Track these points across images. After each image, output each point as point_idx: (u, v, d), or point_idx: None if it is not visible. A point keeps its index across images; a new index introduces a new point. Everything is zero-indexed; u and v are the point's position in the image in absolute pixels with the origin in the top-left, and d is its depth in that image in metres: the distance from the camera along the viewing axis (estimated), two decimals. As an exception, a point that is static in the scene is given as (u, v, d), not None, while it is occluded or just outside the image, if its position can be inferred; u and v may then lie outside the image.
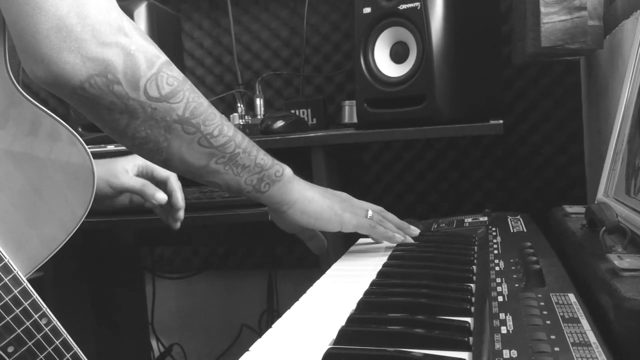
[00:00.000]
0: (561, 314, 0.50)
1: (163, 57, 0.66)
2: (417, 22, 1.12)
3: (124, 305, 1.70)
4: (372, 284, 0.69)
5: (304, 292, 0.71)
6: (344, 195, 0.90)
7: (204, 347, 1.95)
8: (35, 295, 0.76)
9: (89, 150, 0.74)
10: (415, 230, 0.93)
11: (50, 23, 0.58)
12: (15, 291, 0.74)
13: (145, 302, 1.85)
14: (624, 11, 1.01)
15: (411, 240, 0.90)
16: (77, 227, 0.80)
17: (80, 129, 1.49)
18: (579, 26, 1.10)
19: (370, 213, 0.89)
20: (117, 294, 1.67)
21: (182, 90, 0.67)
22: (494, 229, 0.91)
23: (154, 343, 1.88)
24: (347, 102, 1.51)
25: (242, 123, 1.36)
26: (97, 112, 0.65)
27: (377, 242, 0.93)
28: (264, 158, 0.78)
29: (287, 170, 0.82)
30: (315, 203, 0.84)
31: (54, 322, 0.77)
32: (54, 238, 0.79)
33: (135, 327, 1.78)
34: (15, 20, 0.59)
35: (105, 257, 1.61)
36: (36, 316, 0.75)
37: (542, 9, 1.10)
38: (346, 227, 0.87)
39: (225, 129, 0.72)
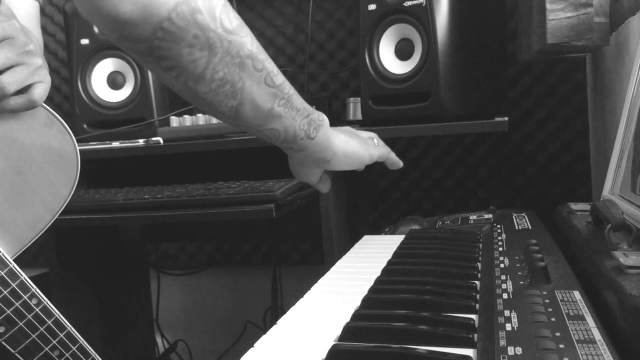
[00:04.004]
0: (566, 311, 0.50)
1: None
2: (422, 19, 1.12)
3: (128, 302, 1.71)
4: (377, 280, 0.69)
5: (308, 288, 0.71)
6: (350, 129, 0.90)
7: (209, 344, 1.95)
8: (24, 276, 0.77)
9: (69, 130, 0.75)
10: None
11: None
12: (2, 272, 0.74)
13: (150, 299, 1.85)
14: (630, 8, 1.01)
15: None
16: (63, 207, 0.81)
17: (85, 126, 1.49)
18: (585, 23, 1.10)
19: (376, 141, 0.91)
20: (122, 290, 1.67)
21: (244, 25, 0.67)
22: (498, 226, 0.91)
23: (158, 339, 1.89)
24: (351, 99, 1.51)
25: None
26: (178, 53, 0.63)
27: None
28: (304, 103, 0.77)
29: (323, 115, 0.81)
30: (352, 143, 0.84)
31: (45, 302, 0.78)
32: (40, 219, 0.80)
33: (140, 323, 1.79)
34: None
35: (111, 253, 1.62)
36: (25, 297, 0.76)
37: (548, 6, 1.10)
38: (372, 159, 0.88)
39: (276, 68, 0.71)
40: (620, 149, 0.82)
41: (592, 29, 1.10)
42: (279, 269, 1.81)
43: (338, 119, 1.62)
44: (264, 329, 1.65)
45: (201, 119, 1.35)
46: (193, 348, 1.94)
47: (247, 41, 0.67)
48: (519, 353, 0.43)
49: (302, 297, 0.68)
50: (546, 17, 1.10)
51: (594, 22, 1.10)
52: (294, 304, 0.65)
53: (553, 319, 0.49)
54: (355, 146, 0.85)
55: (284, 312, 0.63)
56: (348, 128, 0.89)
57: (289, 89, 0.73)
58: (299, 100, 0.75)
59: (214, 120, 1.36)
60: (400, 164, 0.94)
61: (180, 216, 1.18)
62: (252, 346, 0.53)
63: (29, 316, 0.76)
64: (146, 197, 1.19)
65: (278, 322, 0.60)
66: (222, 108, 0.70)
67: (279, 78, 0.71)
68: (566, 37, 1.10)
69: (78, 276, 1.47)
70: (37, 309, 0.77)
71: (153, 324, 1.86)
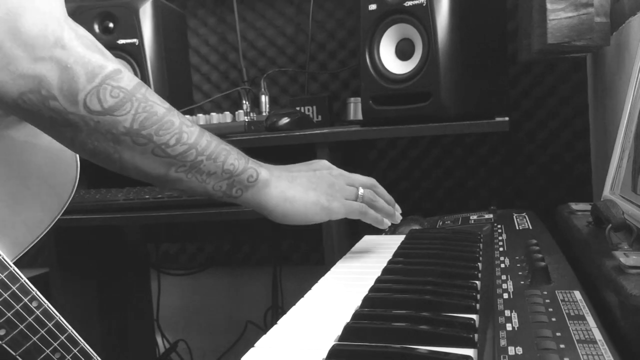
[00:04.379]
0: (567, 311, 0.50)
1: (110, 67, 0.62)
2: (423, 19, 1.12)
3: (129, 302, 1.71)
4: (377, 280, 0.69)
5: (309, 288, 0.71)
6: (334, 173, 0.86)
7: (209, 344, 1.95)
8: (24, 279, 0.76)
9: None
10: (399, 217, 0.92)
11: None
12: (2, 275, 0.74)
13: (150, 299, 1.85)
14: (630, 8, 1.01)
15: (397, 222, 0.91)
16: (63, 210, 0.81)
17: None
18: (586, 23, 1.10)
19: (361, 191, 0.86)
20: (123, 290, 1.67)
21: (129, 101, 0.63)
22: (499, 226, 0.91)
23: (159, 339, 1.89)
24: (352, 99, 1.51)
25: (247, 120, 1.36)
26: (40, 125, 0.63)
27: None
28: (234, 163, 0.74)
29: (263, 174, 0.77)
30: (298, 202, 0.80)
31: (45, 304, 0.77)
32: (39, 222, 0.79)
33: (140, 323, 1.79)
34: None
35: (111, 254, 1.62)
36: (26, 299, 0.76)
37: (549, 6, 1.10)
38: (335, 217, 0.83)
39: (184, 136, 0.68)
40: (621, 148, 0.82)
41: (592, 29, 1.10)
42: (280, 269, 1.81)
43: (339, 119, 1.63)
44: (264, 329, 1.64)
45: (201, 119, 1.35)
46: (193, 348, 1.94)
47: (126, 119, 0.63)
48: (519, 353, 0.43)
49: (302, 297, 0.68)
50: (547, 17, 1.10)
51: (595, 22, 1.10)
52: (294, 304, 0.65)
53: (554, 319, 0.49)
54: (303, 205, 0.80)
55: (284, 312, 0.63)
56: (328, 174, 0.85)
57: (195, 155, 0.69)
58: (216, 164, 0.72)
59: (214, 120, 1.37)
60: (385, 224, 0.88)
61: (181, 216, 1.18)
62: (253, 346, 0.53)
63: (30, 319, 0.76)
64: (147, 197, 1.19)
65: (278, 322, 0.60)
66: (107, 167, 0.68)
67: (178, 148, 0.67)
68: (567, 37, 1.10)
69: (78, 276, 1.47)
70: (38, 312, 0.77)
71: (153, 324, 1.86)
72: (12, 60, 0.56)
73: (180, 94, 1.64)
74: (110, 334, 1.58)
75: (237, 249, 1.90)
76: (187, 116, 0.90)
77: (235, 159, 0.74)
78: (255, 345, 0.54)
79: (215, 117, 1.37)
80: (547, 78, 1.56)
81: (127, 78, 0.63)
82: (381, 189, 0.91)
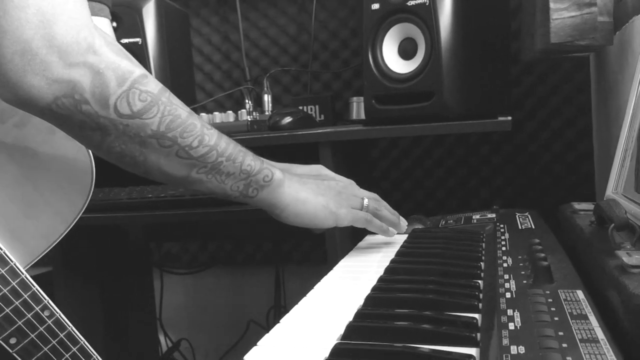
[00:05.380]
0: (569, 310, 0.50)
1: (137, 72, 0.64)
2: (426, 18, 1.12)
3: (131, 301, 1.71)
4: (380, 279, 0.69)
5: (311, 287, 0.71)
6: (340, 184, 0.89)
7: (212, 343, 1.95)
8: (36, 287, 0.76)
9: None
10: (405, 226, 0.93)
11: (14, 47, 0.57)
12: (14, 283, 0.74)
13: (153, 298, 1.86)
14: (634, 7, 1.00)
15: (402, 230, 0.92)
16: (77, 218, 0.80)
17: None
18: (589, 22, 1.09)
19: (366, 202, 0.88)
20: (125, 289, 1.68)
21: (156, 105, 0.65)
22: (502, 225, 0.91)
23: (161, 338, 1.89)
24: (355, 99, 1.51)
25: (250, 119, 1.36)
26: (70, 129, 0.65)
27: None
28: (251, 163, 0.77)
29: (277, 174, 0.80)
30: (309, 204, 0.83)
31: (57, 314, 0.77)
32: (53, 229, 0.79)
33: (143, 322, 1.79)
34: None
35: (113, 253, 1.62)
36: (37, 308, 0.75)
37: (552, 5, 1.10)
38: (341, 223, 0.86)
39: (206, 138, 0.71)
40: (624, 148, 0.82)
41: (595, 29, 1.09)
42: (282, 268, 1.81)
43: (341, 119, 1.63)
44: (266, 328, 1.65)
45: (205, 118, 1.36)
46: (196, 347, 1.94)
47: (153, 121, 0.66)
48: (522, 352, 0.43)
49: (304, 296, 0.68)
50: (550, 16, 1.10)
51: (598, 22, 1.10)
52: (296, 303, 0.66)
53: (556, 318, 0.49)
54: (314, 207, 0.83)
55: (286, 311, 0.63)
56: (336, 183, 0.88)
57: (216, 157, 0.72)
58: (234, 165, 0.75)
59: (217, 120, 1.37)
60: (390, 232, 0.90)
61: (184, 215, 1.18)
62: (255, 345, 0.53)
63: (41, 328, 0.75)
64: (149, 196, 1.19)
65: (281, 321, 0.60)
66: (130, 170, 0.70)
67: (200, 150, 0.70)
68: (570, 37, 1.10)
69: (81, 275, 1.47)
70: (50, 321, 0.76)
71: (156, 322, 1.86)
72: (47, 66, 0.58)
73: (183, 93, 1.64)
74: (113, 333, 1.59)
75: (240, 248, 1.90)
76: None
77: (251, 160, 0.77)
78: (258, 344, 0.54)
79: (218, 117, 1.37)
80: (550, 77, 1.56)
81: (153, 82, 0.66)
82: (384, 203, 0.93)
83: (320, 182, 0.87)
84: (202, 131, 0.71)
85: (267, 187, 0.79)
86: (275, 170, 0.80)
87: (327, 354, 0.49)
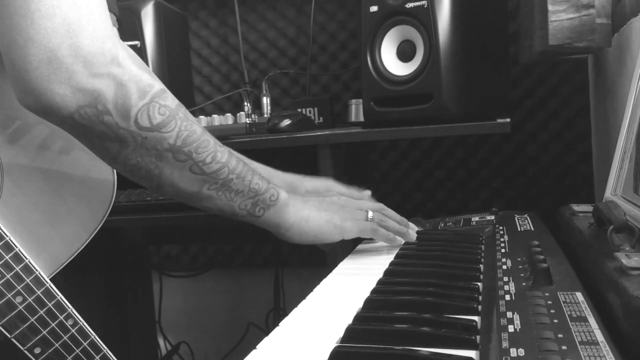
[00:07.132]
0: (569, 312, 0.50)
1: (157, 86, 0.66)
2: (424, 20, 1.12)
3: (131, 304, 1.71)
4: (379, 282, 0.69)
5: (310, 290, 0.71)
6: (342, 199, 0.89)
7: (211, 345, 1.95)
8: (60, 296, 0.75)
9: None
10: (414, 234, 0.92)
11: (41, 55, 0.58)
12: (39, 292, 0.74)
13: (152, 300, 1.85)
14: (632, 9, 1.01)
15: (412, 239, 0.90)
16: (100, 226, 0.80)
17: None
18: (587, 24, 1.10)
19: (370, 214, 0.88)
20: (124, 292, 1.67)
21: (174, 119, 0.66)
22: (501, 227, 0.91)
23: (161, 341, 1.89)
24: (353, 101, 1.51)
25: (248, 122, 1.36)
26: (88, 140, 0.65)
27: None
28: (259, 183, 0.78)
29: (283, 194, 0.81)
30: (313, 221, 0.84)
31: (81, 323, 0.77)
32: (76, 237, 0.79)
33: (142, 325, 1.79)
34: (7, 51, 0.59)
35: (113, 255, 1.62)
36: (61, 317, 0.75)
37: (550, 7, 1.10)
38: (349, 235, 0.86)
39: (218, 155, 0.72)
40: (623, 150, 0.82)
41: (594, 31, 1.10)
42: (281, 270, 1.81)
43: (340, 121, 1.63)
44: (266, 331, 1.65)
45: (203, 121, 1.35)
46: (195, 350, 1.94)
47: (171, 135, 0.66)
48: (521, 354, 0.43)
49: (304, 298, 0.68)
50: (548, 18, 1.10)
51: (596, 24, 1.10)
52: (296, 306, 0.65)
53: (555, 321, 0.49)
54: (317, 223, 0.84)
55: (286, 314, 0.63)
56: (338, 198, 0.89)
57: (227, 174, 0.73)
58: (243, 183, 0.76)
59: (216, 122, 1.37)
60: (397, 241, 0.89)
61: (183, 218, 1.18)
62: (255, 348, 0.53)
63: (65, 337, 0.75)
64: (148, 199, 1.19)
65: (280, 323, 0.60)
66: (142, 183, 0.71)
67: (213, 166, 0.71)
68: (568, 39, 1.10)
69: (80, 277, 1.47)
70: (73, 330, 0.76)
71: (155, 325, 1.86)
72: (72, 75, 0.59)
73: (182, 95, 1.63)
74: (112, 336, 1.58)
75: (239, 250, 1.90)
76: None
77: (259, 179, 0.78)
78: (257, 347, 0.54)
79: (217, 119, 1.37)
80: (549, 79, 1.56)
81: (171, 97, 0.67)
82: (390, 212, 0.93)
83: (322, 198, 0.88)
84: (215, 148, 0.72)
85: (273, 207, 0.80)
86: (281, 191, 0.81)
87: (326, 357, 0.49)
